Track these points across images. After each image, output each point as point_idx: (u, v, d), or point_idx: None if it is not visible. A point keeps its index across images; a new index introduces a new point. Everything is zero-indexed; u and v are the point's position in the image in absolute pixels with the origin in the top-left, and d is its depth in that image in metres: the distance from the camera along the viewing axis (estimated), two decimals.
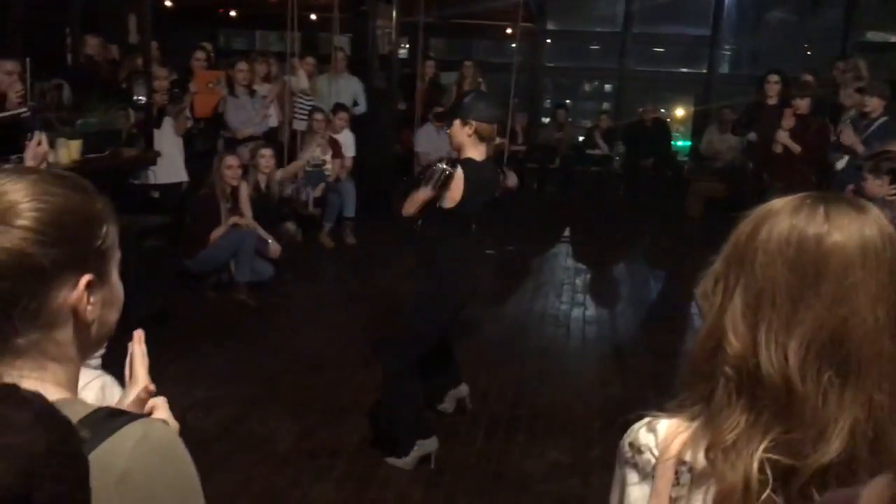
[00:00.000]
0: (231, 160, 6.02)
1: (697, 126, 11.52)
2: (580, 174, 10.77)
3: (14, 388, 0.77)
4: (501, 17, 10.57)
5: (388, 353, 3.90)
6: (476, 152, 3.70)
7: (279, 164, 7.00)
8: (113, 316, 1.06)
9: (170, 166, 6.16)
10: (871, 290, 0.98)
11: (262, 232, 6.21)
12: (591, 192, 10.59)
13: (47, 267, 0.95)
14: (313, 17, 9.60)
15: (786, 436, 0.97)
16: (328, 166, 7.70)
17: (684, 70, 13.15)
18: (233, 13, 11.04)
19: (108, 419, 0.96)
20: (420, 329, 3.76)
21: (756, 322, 1.01)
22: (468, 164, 3.64)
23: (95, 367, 1.97)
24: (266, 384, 4.59)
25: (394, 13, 9.24)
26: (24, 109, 4.32)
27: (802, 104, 6.59)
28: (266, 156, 6.48)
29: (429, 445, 3.82)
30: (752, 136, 7.22)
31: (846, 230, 1.00)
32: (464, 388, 4.37)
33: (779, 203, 1.07)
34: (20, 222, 0.94)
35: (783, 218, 1.03)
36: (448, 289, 3.78)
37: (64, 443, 0.70)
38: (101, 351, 3.83)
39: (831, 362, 0.97)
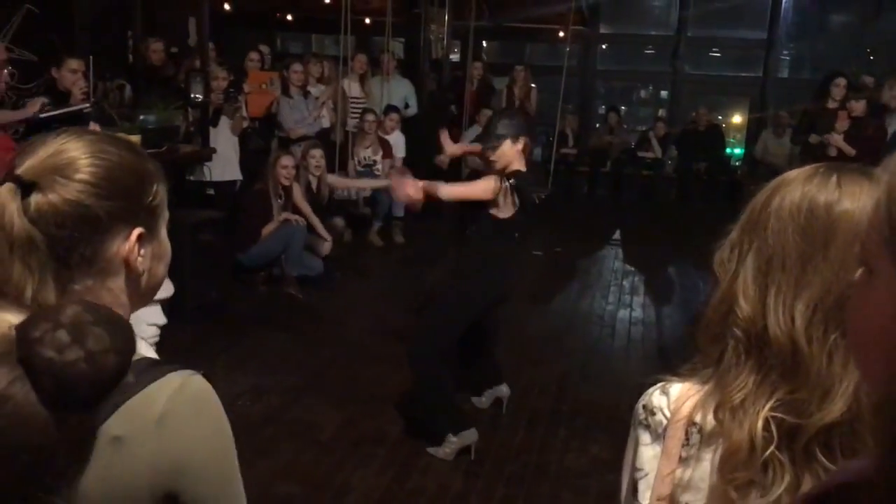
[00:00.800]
0: (286, 160, 6.19)
1: (752, 133, 11.34)
2: (631, 178, 10.71)
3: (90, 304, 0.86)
4: (554, 21, 10.59)
5: (413, 343, 3.98)
6: (522, 165, 3.86)
7: (331, 164, 7.13)
8: (161, 270, 1.14)
9: (225, 164, 6.34)
10: None
11: (320, 230, 6.35)
12: (643, 196, 10.52)
13: (102, 218, 1.03)
14: (367, 21, 9.75)
15: (791, 395, 1.00)
16: (378, 167, 7.82)
17: (740, 74, 12.96)
18: (289, 17, 11.28)
19: (152, 368, 1.04)
20: (447, 322, 3.88)
21: (766, 285, 1.04)
22: (521, 178, 3.76)
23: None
24: (312, 374, 4.69)
25: (446, 17, 9.35)
26: (86, 105, 4.52)
27: (858, 106, 6.47)
28: (316, 156, 6.61)
29: (468, 437, 3.87)
30: (814, 137, 7.05)
31: (857, 198, 1.02)
32: (504, 389, 4.40)
33: (793, 173, 1.10)
34: (79, 176, 1.02)
35: (796, 186, 1.06)
36: (484, 290, 3.92)
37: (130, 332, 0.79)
38: (156, 337, 3.97)
39: (837, 325, 0.99)
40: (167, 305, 4.59)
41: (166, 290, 4.45)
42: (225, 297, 5.70)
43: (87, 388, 0.67)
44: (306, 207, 6.33)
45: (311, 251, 6.27)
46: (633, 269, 7.67)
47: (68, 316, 0.69)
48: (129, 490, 1.01)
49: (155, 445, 1.01)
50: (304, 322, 5.62)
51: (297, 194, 6.34)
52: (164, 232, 1.15)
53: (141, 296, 1.13)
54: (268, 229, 6.06)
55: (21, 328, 0.68)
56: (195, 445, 1.05)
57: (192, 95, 5.61)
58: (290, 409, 4.25)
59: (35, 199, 1.00)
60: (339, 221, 6.98)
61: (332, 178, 5.57)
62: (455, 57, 10.62)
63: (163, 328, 3.77)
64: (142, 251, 1.08)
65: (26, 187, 0.99)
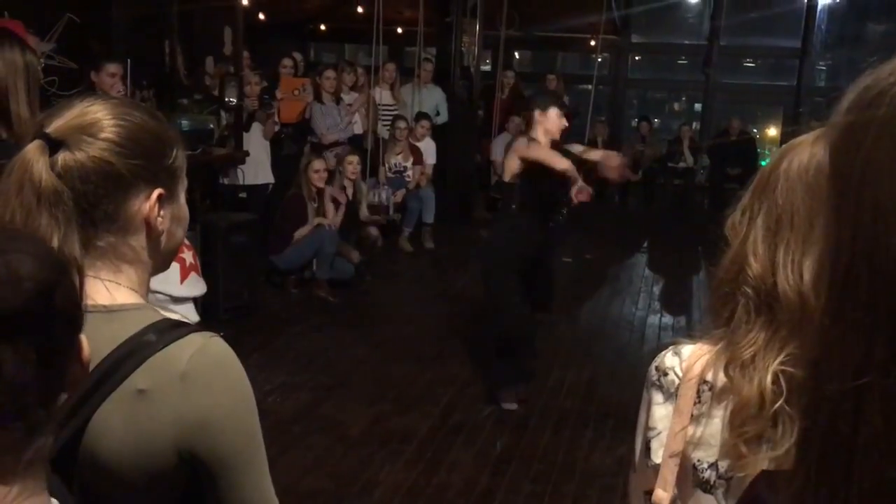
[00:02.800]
0: (318, 164, 6.27)
1: (786, 143, 11.23)
2: (663, 187, 10.66)
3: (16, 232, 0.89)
4: (586, 31, 10.60)
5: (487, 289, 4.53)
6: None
7: (363, 170, 7.21)
8: (180, 232, 1.19)
9: (257, 168, 6.44)
10: None
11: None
12: (674, 206, 10.46)
13: (125, 175, 1.08)
14: (399, 30, 9.85)
15: (800, 350, 1.02)
16: (409, 173, 7.88)
17: (774, 83, 12.85)
18: (322, 27, 11.43)
19: (174, 328, 1.08)
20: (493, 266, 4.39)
21: (775, 244, 1.06)
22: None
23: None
24: (342, 374, 4.74)
25: (477, 27, 9.41)
26: None
27: None
28: (353, 163, 6.68)
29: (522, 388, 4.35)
30: None
31: None
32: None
33: (801, 137, 1.13)
34: (104, 135, 1.08)
35: (804, 148, 1.09)
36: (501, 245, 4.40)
37: (65, 273, 0.79)
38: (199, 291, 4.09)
39: None
40: (200, 304, 4.69)
41: (199, 288, 4.56)
42: (257, 298, 5.78)
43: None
44: (331, 213, 6.40)
45: (341, 255, 6.33)
46: (662, 276, 7.63)
47: None
48: (154, 442, 1.04)
49: (179, 400, 1.05)
50: (335, 323, 5.68)
51: (328, 199, 6.41)
52: (182, 197, 1.19)
53: (161, 257, 1.17)
54: (301, 233, 6.14)
55: None
56: (218, 402, 1.08)
57: (227, 99, 5.72)
58: (319, 407, 4.30)
59: (62, 156, 1.05)
60: (372, 230, 7.04)
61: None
62: (486, 67, 10.68)
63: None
64: (161, 212, 1.13)
65: (54, 145, 1.05)
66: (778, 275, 1.05)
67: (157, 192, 1.12)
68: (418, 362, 4.97)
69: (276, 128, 6.67)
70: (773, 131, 13.34)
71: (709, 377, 1.11)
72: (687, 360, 1.14)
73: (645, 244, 8.96)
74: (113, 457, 1.03)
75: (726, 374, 1.08)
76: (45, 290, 0.73)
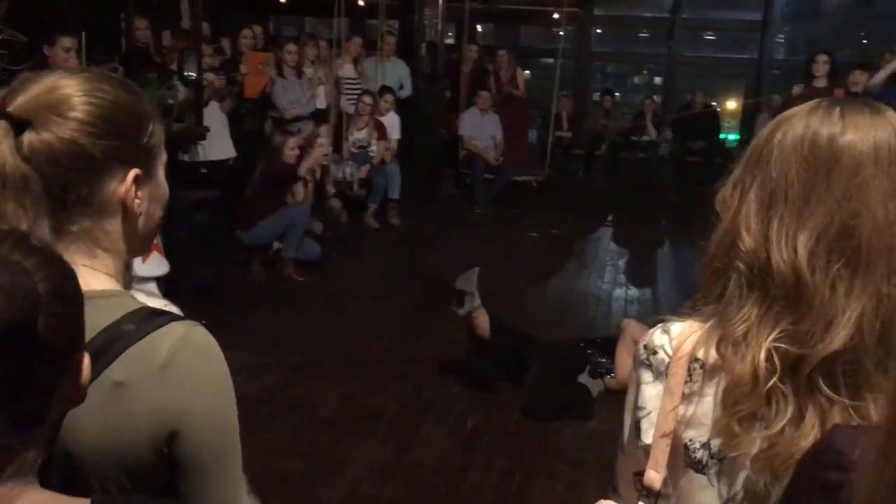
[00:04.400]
0: (293, 142, 6.19)
1: (748, 116, 11.32)
2: (627, 161, 10.69)
3: (25, 235, 0.82)
4: (549, 3, 10.55)
5: None
6: None
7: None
8: (158, 212, 1.12)
9: (217, 143, 6.32)
10: (883, 186, 0.99)
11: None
12: (638, 179, 10.50)
13: (98, 157, 1.01)
14: (361, 2, 9.69)
15: (794, 326, 0.99)
16: (373, 149, 7.80)
17: (735, 56, 12.94)
18: (283, 0, 11.20)
19: (152, 317, 1.02)
20: None
21: (769, 218, 1.03)
22: None
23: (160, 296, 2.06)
24: (310, 353, 4.69)
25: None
26: None
27: (861, 79, 6.42)
28: (324, 144, 6.59)
29: None
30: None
31: (860, 130, 1.02)
32: None
33: (795, 109, 1.10)
34: (73, 114, 1.00)
35: (799, 119, 1.05)
36: None
37: (65, 285, 0.75)
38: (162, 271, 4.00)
39: (840, 255, 0.99)
40: (163, 284, 4.59)
41: (162, 267, 4.45)
42: (221, 277, 5.69)
43: None
44: (301, 191, 6.31)
45: (306, 233, 6.25)
46: (628, 249, 7.67)
47: None
48: (131, 435, 1.00)
49: (157, 391, 1.00)
50: (302, 302, 5.61)
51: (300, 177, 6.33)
52: (161, 174, 1.12)
53: (140, 239, 1.11)
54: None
55: None
56: (197, 393, 1.03)
57: (186, 73, 5.58)
58: (288, 387, 4.25)
59: (28, 137, 0.98)
60: (335, 203, 6.96)
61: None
62: (450, 39, 10.57)
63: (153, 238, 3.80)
64: (139, 192, 1.06)
65: (19, 125, 0.97)
66: (771, 250, 1.02)
67: (132, 172, 1.05)
68: (388, 341, 4.94)
69: (232, 102, 6.55)
70: (732, 104, 13.45)
71: (700, 355, 1.08)
72: (677, 337, 1.11)
73: (609, 218, 9.00)
74: (89, 451, 0.98)
75: (718, 351, 1.05)
76: (12, 332, 0.69)
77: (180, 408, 1.01)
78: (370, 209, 7.65)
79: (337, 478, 3.45)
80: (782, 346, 1.00)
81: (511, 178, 9.02)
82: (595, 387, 4.30)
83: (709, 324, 1.08)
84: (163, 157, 1.13)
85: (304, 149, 6.53)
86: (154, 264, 4.33)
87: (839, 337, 0.97)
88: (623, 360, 4.24)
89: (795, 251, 1.00)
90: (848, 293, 0.98)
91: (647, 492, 1.11)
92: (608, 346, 4.47)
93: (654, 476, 1.10)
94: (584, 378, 4.32)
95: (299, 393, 4.20)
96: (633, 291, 6.37)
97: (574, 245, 7.81)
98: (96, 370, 0.96)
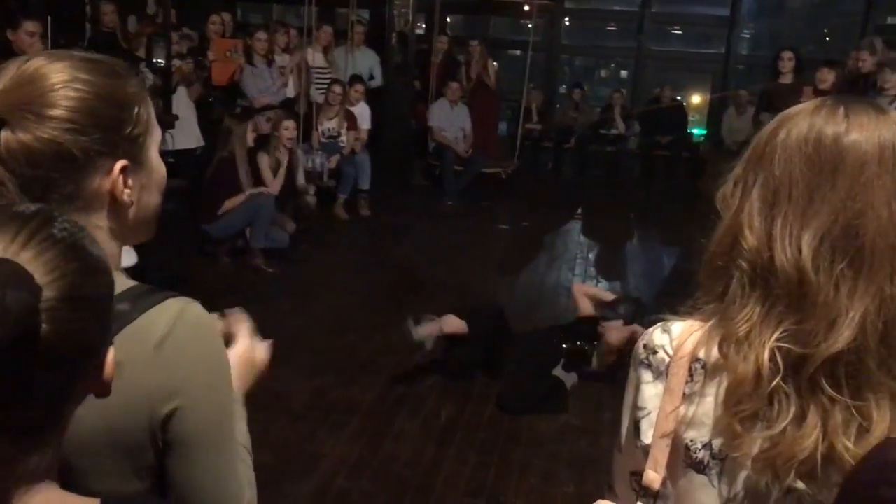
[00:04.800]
0: (252, 125, 6.08)
1: (714, 111, 11.44)
2: (595, 154, 10.72)
3: (48, 221, 0.76)
4: None
5: None
6: None
7: (297, 135, 7.01)
8: (153, 199, 1.08)
9: (185, 132, 6.21)
10: (887, 186, 0.99)
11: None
12: (607, 173, 10.56)
13: (78, 156, 0.97)
14: None
15: (798, 326, 0.99)
16: (343, 139, 7.73)
17: (703, 51, 13.04)
18: None
19: (148, 294, 1.01)
20: None
21: (772, 216, 1.02)
22: None
23: None
24: (281, 345, 4.52)
25: None
26: None
27: (828, 77, 6.51)
28: (289, 128, 6.48)
29: None
30: (765, 116, 7.18)
31: (865, 129, 1.01)
32: None
33: (798, 107, 1.09)
34: (53, 112, 0.96)
35: (803, 118, 1.05)
36: None
37: (83, 285, 0.71)
38: (130, 262, 3.95)
39: (844, 255, 0.98)
40: (130, 275, 4.51)
41: (130, 258, 4.35)
42: (189, 268, 5.60)
43: None
44: (270, 178, 6.22)
45: (276, 224, 6.18)
46: (597, 243, 7.71)
47: None
48: (128, 415, 0.98)
49: (154, 370, 0.98)
50: (271, 294, 5.54)
51: (264, 165, 6.22)
52: (153, 157, 1.08)
53: (132, 227, 1.08)
54: (232, 202, 5.95)
55: None
56: (194, 370, 1.02)
57: (154, 60, 5.47)
58: (259, 380, 4.19)
59: (4, 136, 0.94)
60: (311, 199, 6.87)
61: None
62: (421, 30, 10.50)
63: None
64: (128, 182, 1.02)
65: None
66: (775, 248, 1.01)
67: (118, 164, 1.01)
68: (359, 333, 4.90)
69: (200, 89, 6.43)
70: (696, 98, 13.56)
71: (701, 355, 1.07)
72: (677, 337, 1.10)
73: (578, 210, 9.03)
74: (87, 434, 0.95)
75: (720, 351, 1.04)
76: (5, 349, 0.65)
77: (177, 385, 1.00)
78: (340, 200, 7.58)
79: (310, 472, 3.42)
80: (785, 345, 0.99)
81: (480, 169, 9.01)
82: (569, 380, 4.31)
83: (710, 323, 1.07)
84: (155, 137, 1.08)
85: (268, 137, 6.44)
86: (123, 255, 4.24)
87: (842, 337, 0.97)
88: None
89: (800, 250, 1.00)
90: (851, 293, 0.98)
91: (645, 492, 1.10)
92: (582, 329, 4.47)
93: (654, 476, 1.09)
94: (558, 371, 4.32)
95: (270, 385, 4.11)
96: (604, 284, 6.39)
97: (544, 237, 7.83)
98: None
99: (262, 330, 5.03)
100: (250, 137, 6.01)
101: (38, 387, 0.68)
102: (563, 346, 4.38)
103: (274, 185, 6.18)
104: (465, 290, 5.81)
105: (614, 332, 4.34)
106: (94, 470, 0.98)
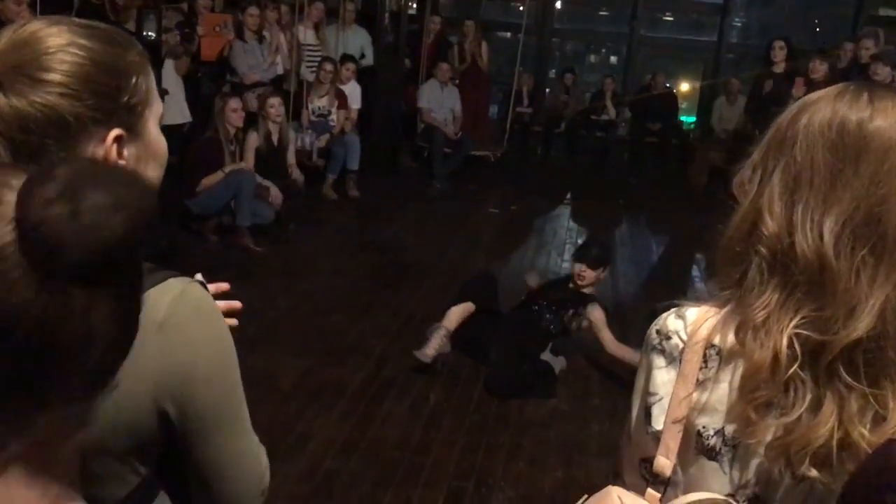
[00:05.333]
0: (234, 103, 5.97)
1: (704, 99, 11.43)
2: (585, 140, 10.70)
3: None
4: None
5: None
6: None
7: (287, 113, 6.94)
8: (151, 171, 1.04)
9: (173, 107, 6.12)
10: None
11: (260, 179, 6.19)
12: (596, 158, 10.54)
13: (71, 122, 0.94)
14: None
15: (817, 313, 0.97)
16: (333, 117, 7.66)
17: (691, 38, 13.04)
18: None
19: (149, 273, 0.98)
20: None
21: (793, 202, 1.01)
22: None
23: None
24: (269, 325, 4.60)
25: None
26: None
27: (821, 68, 6.53)
28: (276, 105, 6.41)
29: None
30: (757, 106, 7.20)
31: (889, 116, 1.00)
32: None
33: (819, 93, 1.07)
34: (49, 76, 0.93)
35: (826, 104, 1.03)
36: None
37: (154, 197, 0.70)
38: None
39: (866, 241, 0.97)
40: None
41: None
42: (175, 246, 5.53)
43: (77, 250, 0.58)
44: (251, 160, 6.15)
45: (261, 198, 6.11)
46: (586, 228, 7.70)
47: (66, 169, 0.61)
48: (133, 400, 0.96)
49: (157, 350, 0.97)
50: (259, 272, 5.50)
51: (251, 144, 6.15)
52: (152, 129, 1.04)
53: None
54: (210, 180, 5.87)
55: (22, 186, 0.60)
56: (198, 350, 1.01)
57: (145, 34, 5.38)
58: (246, 359, 4.04)
59: None
60: (298, 177, 6.80)
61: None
62: (412, 10, 10.41)
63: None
64: (123, 152, 0.99)
65: None
66: (796, 234, 1.00)
67: (113, 133, 0.97)
68: (348, 314, 4.87)
69: (188, 64, 6.34)
70: (686, 86, 13.55)
71: (716, 341, 1.05)
72: (692, 323, 1.08)
73: (568, 196, 9.02)
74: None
75: (737, 337, 1.02)
76: (128, 244, 0.63)
77: (181, 366, 0.99)
78: (329, 180, 7.52)
79: (298, 452, 3.40)
80: (804, 332, 0.98)
81: (469, 152, 8.97)
82: (558, 364, 4.31)
83: (726, 309, 1.06)
84: (155, 109, 1.04)
85: (255, 115, 6.37)
86: None
87: (862, 324, 0.96)
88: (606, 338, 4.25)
89: (821, 236, 0.98)
90: (872, 281, 0.97)
91: (655, 479, 1.09)
92: (564, 293, 4.45)
93: (665, 463, 1.08)
94: (546, 356, 4.32)
95: (258, 365, 4.11)
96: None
97: (533, 222, 7.82)
98: None
99: (250, 309, 4.97)
100: (238, 117, 5.92)
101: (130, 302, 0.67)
102: (548, 315, 4.34)
103: (251, 164, 6.10)
104: (452, 272, 5.79)
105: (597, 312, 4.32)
106: (97, 452, 0.96)
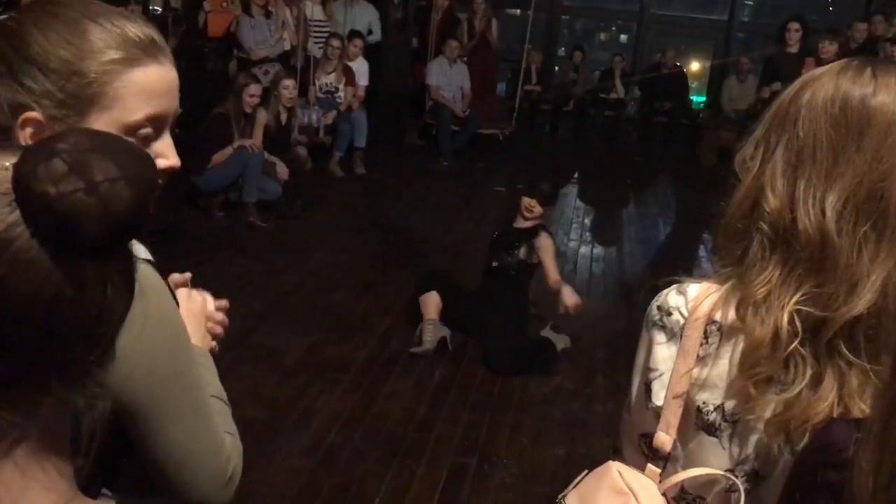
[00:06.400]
0: (254, 89, 5.97)
1: (715, 78, 11.34)
2: (593, 118, 10.65)
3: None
4: None
5: None
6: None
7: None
8: None
9: None
10: None
11: (266, 155, 6.19)
12: (604, 137, 10.49)
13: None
14: None
15: (818, 289, 0.97)
16: (340, 94, 7.63)
17: (702, 16, 12.90)
18: None
19: None
20: None
21: (795, 178, 1.00)
22: None
23: None
24: (274, 301, 4.61)
25: None
26: None
27: (830, 49, 6.46)
28: (289, 87, 6.39)
29: None
30: (777, 85, 7.12)
31: (893, 91, 0.99)
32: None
33: (822, 69, 1.06)
34: None
35: (828, 79, 1.02)
36: None
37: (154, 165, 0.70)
38: None
39: (868, 217, 0.96)
40: None
41: None
42: (182, 221, 5.55)
43: (93, 225, 0.58)
44: (259, 139, 6.14)
45: (266, 174, 6.11)
46: (593, 207, 7.68)
47: (67, 143, 0.60)
48: None
49: None
50: (265, 249, 5.51)
51: (261, 122, 6.14)
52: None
53: None
54: (220, 156, 5.87)
55: (17, 164, 0.59)
56: (140, 338, 0.92)
57: (152, 8, 5.36)
58: (252, 335, 4.17)
59: None
60: (301, 151, 6.80)
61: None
62: None
63: None
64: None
65: None
66: (798, 210, 0.99)
67: (24, 115, 0.93)
68: (353, 290, 4.88)
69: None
70: (696, 65, 13.42)
71: (717, 317, 1.05)
72: (693, 299, 1.08)
73: (575, 175, 8.98)
74: None
75: (738, 313, 1.02)
76: (139, 215, 0.63)
77: (122, 352, 0.93)
78: (335, 157, 7.50)
79: (302, 428, 3.41)
80: (805, 308, 0.97)
81: (477, 130, 8.93)
82: (560, 342, 4.31)
83: (727, 285, 1.05)
84: (122, 109, 0.96)
85: (269, 90, 6.35)
86: None
87: (863, 301, 0.95)
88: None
89: (823, 213, 0.97)
90: (873, 257, 0.96)
91: (655, 454, 1.09)
92: (512, 234, 4.50)
93: (665, 438, 1.08)
94: (548, 332, 4.32)
95: (263, 341, 4.14)
96: (599, 249, 6.38)
97: None
98: None
99: (255, 285, 5.04)
100: (254, 102, 5.92)
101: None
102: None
103: (259, 140, 6.10)
104: (459, 250, 5.80)
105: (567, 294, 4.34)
106: None
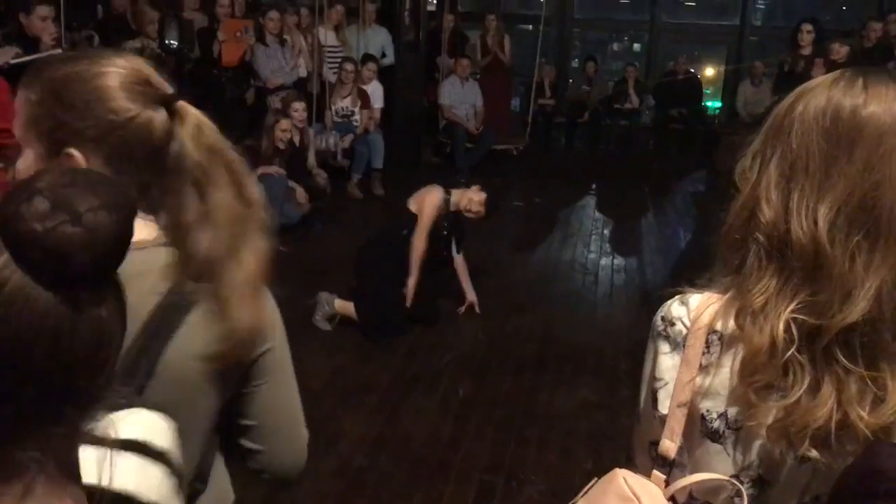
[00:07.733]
0: (285, 124, 6.09)
1: (729, 83, 11.31)
2: (609, 129, 10.66)
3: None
4: None
5: None
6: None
7: (309, 115, 7.02)
8: None
9: None
10: None
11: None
12: (620, 147, 10.50)
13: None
14: None
15: (813, 298, 0.99)
16: (356, 117, 7.71)
17: (717, 23, 12.88)
18: None
19: None
20: None
21: (789, 190, 1.02)
22: None
23: None
24: (297, 323, 4.65)
25: None
26: (58, 51, 4.38)
27: (842, 50, 6.44)
28: (299, 109, 6.49)
29: None
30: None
31: (883, 101, 1.01)
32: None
33: (816, 80, 1.08)
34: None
35: (821, 91, 1.04)
36: None
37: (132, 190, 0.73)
38: None
39: (860, 227, 0.98)
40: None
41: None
42: None
43: (82, 253, 0.61)
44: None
45: (286, 199, 6.19)
46: (612, 218, 7.68)
47: (45, 182, 0.62)
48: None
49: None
50: (286, 272, 5.42)
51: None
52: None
53: None
54: None
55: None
56: (273, 316, 1.23)
57: (167, 42, 5.46)
58: None
59: None
60: (321, 180, 6.87)
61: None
62: (432, 7, 10.44)
63: None
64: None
65: None
66: (791, 221, 1.01)
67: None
68: None
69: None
70: (709, 71, 13.39)
71: (718, 326, 1.08)
72: (695, 309, 1.10)
73: (593, 186, 8.99)
74: None
75: (736, 322, 1.04)
76: (124, 239, 0.66)
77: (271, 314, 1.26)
78: (354, 179, 7.58)
79: (330, 451, 3.45)
80: (800, 316, 1.00)
81: (491, 146, 8.98)
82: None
83: (727, 295, 1.08)
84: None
85: (280, 111, 6.46)
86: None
87: (857, 308, 0.97)
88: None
89: (815, 223, 1.00)
90: (867, 265, 0.98)
91: (661, 460, 1.12)
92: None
93: (670, 445, 1.10)
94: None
95: None
96: (620, 260, 6.39)
97: (558, 213, 7.81)
98: None
99: (278, 308, 5.01)
100: (285, 137, 6.07)
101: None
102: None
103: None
104: (478, 266, 5.82)
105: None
106: None
